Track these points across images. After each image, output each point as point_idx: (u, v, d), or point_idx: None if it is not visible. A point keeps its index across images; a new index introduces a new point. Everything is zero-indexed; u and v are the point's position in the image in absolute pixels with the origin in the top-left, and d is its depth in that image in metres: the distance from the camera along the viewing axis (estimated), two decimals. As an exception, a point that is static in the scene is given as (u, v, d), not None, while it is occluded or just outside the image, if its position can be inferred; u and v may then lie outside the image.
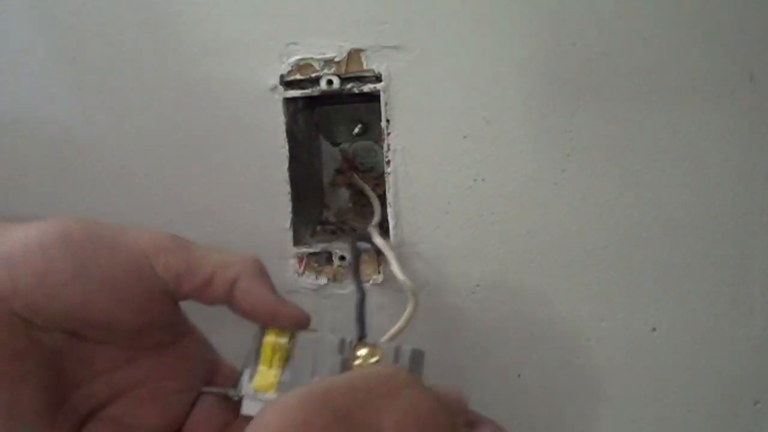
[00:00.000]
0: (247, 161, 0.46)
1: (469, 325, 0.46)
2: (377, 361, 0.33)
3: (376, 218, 0.47)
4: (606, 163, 0.43)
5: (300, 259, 0.47)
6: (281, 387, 0.32)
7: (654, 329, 0.45)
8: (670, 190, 0.43)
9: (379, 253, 0.46)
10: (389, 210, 0.45)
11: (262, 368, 0.32)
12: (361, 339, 0.35)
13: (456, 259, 0.45)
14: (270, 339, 0.33)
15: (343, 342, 0.33)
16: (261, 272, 0.34)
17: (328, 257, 0.47)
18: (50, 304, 0.30)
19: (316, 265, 0.47)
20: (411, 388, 0.27)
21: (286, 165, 0.46)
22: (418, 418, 0.25)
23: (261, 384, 0.32)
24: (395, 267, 0.43)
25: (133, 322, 0.32)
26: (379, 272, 0.46)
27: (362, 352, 0.33)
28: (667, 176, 0.43)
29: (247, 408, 0.32)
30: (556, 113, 0.43)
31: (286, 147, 0.45)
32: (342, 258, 0.47)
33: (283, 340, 0.33)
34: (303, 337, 0.33)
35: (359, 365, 0.33)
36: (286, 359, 0.33)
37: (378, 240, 0.44)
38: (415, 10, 0.43)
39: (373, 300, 0.47)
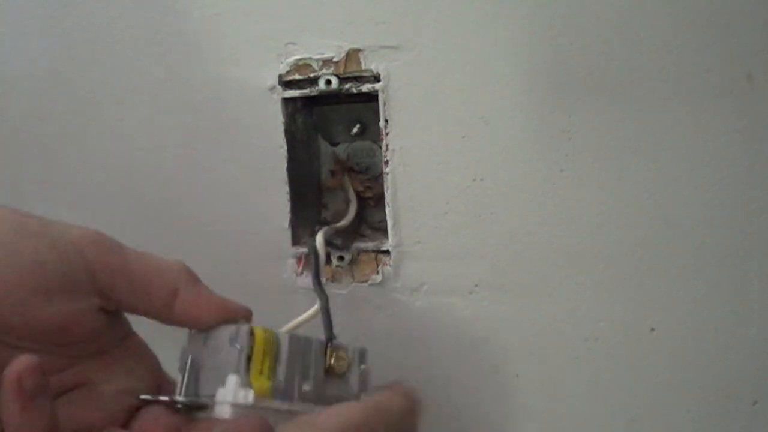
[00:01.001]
0: (245, 161, 0.46)
1: (467, 325, 0.46)
2: (345, 362, 0.34)
3: (344, 221, 0.47)
4: (604, 163, 0.43)
5: (299, 259, 0.47)
6: (275, 392, 0.31)
7: (653, 329, 0.45)
8: (669, 190, 0.43)
9: (378, 253, 0.47)
10: (387, 210, 0.45)
11: (254, 372, 0.30)
12: (330, 341, 0.34)
13: (454, 259, 0.45)
14: (260, 340, 0.31)
15: (323, 343, 0.33)
16: (194, 276, 0.33)
17: (327, 257, 0.47)
18: None
19: (314, 265, 0.47)
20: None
21: (285, 165, 0.46)
22: None
23: (258, 390, 0.30)
24: (322, 279, 0.40)
25: (56, 320, 0.29)
26: (377, 272, 0.46)
27: (333, 353, 0.34)
28: (665, 176, 0.43)
29: (223, 416, 0.30)
30: (554, 113, 0.43)
31: (285, 147, 0.45)
32: (341, 258, 0.47)
33: (272, 341, 0.31)
34: (292, 337, 0.32)
35: (332, 366, 0.33)
36: (275, 361, 0.31)
37: (318, 240, 0.41)
38: (413, 9, 0.43)
39: (372, 301, 0.47)
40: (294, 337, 0.32)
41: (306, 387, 0.32)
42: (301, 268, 0.47)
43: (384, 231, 0.46)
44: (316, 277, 0.39)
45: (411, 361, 0.47)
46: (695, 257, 0.44)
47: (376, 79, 0.44)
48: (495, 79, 0.43)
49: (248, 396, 0.29)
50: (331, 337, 0.35)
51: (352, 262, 0.47)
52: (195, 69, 0.45)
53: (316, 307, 0.37)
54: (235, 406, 0.29)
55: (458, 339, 0.47)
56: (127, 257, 0.31)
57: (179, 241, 0.47)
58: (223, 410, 0.29)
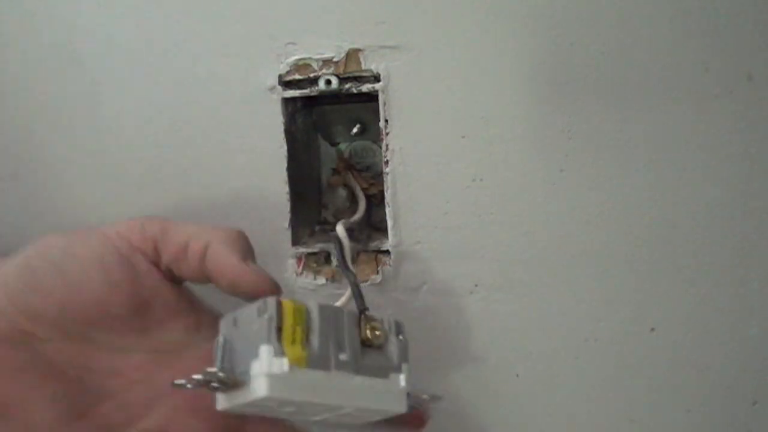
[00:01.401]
0: (245, 161, 0.46)
1: (467, 325, 0.46)
2: (382, 333, 0.34)
3: (357, 216, 0.47)
4: (604, 163, 0.43)
5: (299, 259, 0.47)
6: (311, 361, 0.30)
7: (653, 329, 0.45)
8: (669, 190, 0.43)
9: (378, 253, 0.47)
10: (387, 210, 0.45)
11: (286, 342, 0.29)
12: (363, 312, 0.34)
13: (454, 258, 0.45)
14: (289, 309, 0.30)
15: (355, 315, 0.33)
16: (233, 240, 0.34)
17: (327, 257, 0.47)
18: (41, 301, 0.30)
19: (314, 265, 0.47)
20: None
21: (285, 165, 0.46)
22: None
23: (293, 359, 0.29)
24: (348, 261, 0.41)
25: (128, 302, 0.32)
26: (377, 272, 0.46)
27: (368, 324, 0.34)
28: (665, 176, 0.43)
29: (260, 388, 0.29)
30: (554, 113, 0.43)
31: (285, 147, 0.45)
32: (341, 258, 0.47)
33: (302, 310, 0.31)
34: (321, 306, 0.32)
35: (368, 337, 0.33)
36: (307, 331, 0.30)
37: (339, 230, 0.42)
38: (413, 9, 0.43)
39: (372, 301, 0.47)
40: (324, 307, 0.32)
41: (342, 357, 0.31)
42: (301, 268, 0.47)
43: (384, 231, 0.46)
44: (341, 259, 0.40)
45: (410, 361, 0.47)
46: (695, 257, 0.44)
47: (376, 79, 0.44)
48: (495, 80, 0.43)
49: (283, 365, 0.29)
50: (363, 308, 0.35)
51: (352, 262, 0.47)
52: (194, 68, 0.45)
53: (349, 290, 0.38)
54: (271, 376, 0.29)
55: (458, 339, 0.47)
56: (168, 223, 0.34)
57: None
58: (259, 383, 0.29)
